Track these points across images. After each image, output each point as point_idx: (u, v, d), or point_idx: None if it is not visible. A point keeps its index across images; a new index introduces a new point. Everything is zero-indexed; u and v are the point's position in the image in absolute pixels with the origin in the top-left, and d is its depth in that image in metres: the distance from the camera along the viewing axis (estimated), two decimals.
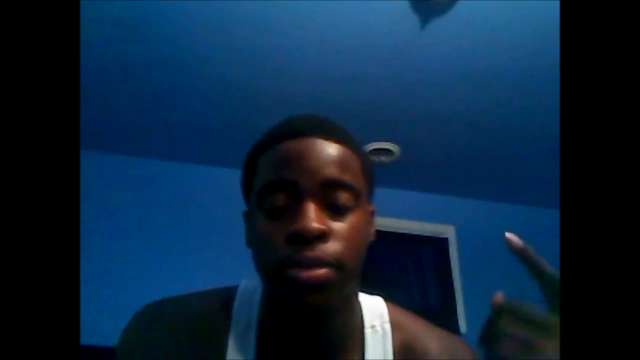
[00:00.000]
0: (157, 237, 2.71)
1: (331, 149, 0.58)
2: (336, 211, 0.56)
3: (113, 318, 2.35)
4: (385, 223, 3.03)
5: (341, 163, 0.58)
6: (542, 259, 0.54)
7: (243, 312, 0.63)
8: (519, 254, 0.53)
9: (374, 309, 0.67)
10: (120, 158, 2.85)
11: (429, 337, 0.66)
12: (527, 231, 3.34)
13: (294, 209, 0.55)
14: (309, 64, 2.14)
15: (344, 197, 0.56)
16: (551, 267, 0.53)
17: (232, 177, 3.47)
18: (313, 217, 0.53)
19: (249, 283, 0.68)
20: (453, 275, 3.01)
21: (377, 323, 0.65)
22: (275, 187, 0.56)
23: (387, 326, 0.65)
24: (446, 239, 3.13)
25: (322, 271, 0.52)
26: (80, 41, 2.01)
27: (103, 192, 2.72)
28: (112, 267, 2.55)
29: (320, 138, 0.58)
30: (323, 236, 0.54)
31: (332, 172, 0.56)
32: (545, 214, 3.29)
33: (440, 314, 2.85)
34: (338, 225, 0.56)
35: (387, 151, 2.74)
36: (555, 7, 1.81)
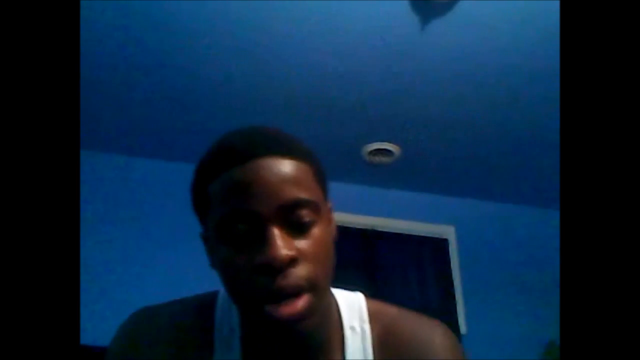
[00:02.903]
0: (156, 237, 2.71)
1: (282, 167, 0.55)
2: (300, 230, 0.55)
3: (113, 318, 2.35)
4: (385, 223, 3.03)
5: (295, 180, 0.56)
6: None
7: (225, 319, 0.64)
8: None
9: (352, 308, 0.67)
10: (120, 158, 2.86)
11: (408, 323, 0.66)
12: (527, 231, 3.36)
13: (257, 237, 0.53)
14: (309, 64, 2.14)
15: (305, 214, 0.55)
16: None
17: None
18: (279, 244, 0.51)
19: None
20: (453, 275, 3.01)
21: (356, 324, 0.65)
22: (233, 218, 0.54)
23: (366, 326, 0.65)
24: (446, 240, 3.13)
25: (299, 303, 0.52)
26: (81, 41, 2.01)
27: (103, 192, 2.72)
28: (112, 267, 2.55)
29: (268, 157, 0.55)
30: (293, 262, 0.52)
31: (288, 192, 0.54)
32: (545, 214, 3.29)
33: (440, 314, 2.85)
34: (305, 244, 0.54)
35: (387, 151, 2.74)
36: (556, 7, 1.81)
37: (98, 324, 2.31)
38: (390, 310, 0.68)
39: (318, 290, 0.54)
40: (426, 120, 2.50)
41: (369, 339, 0.63)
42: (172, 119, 2.55)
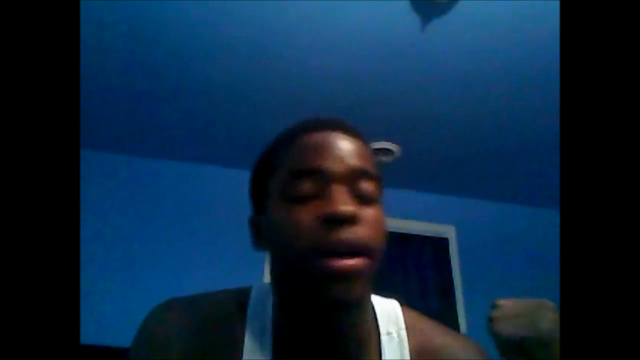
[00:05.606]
0: (156, 237, 2.71)
1: (352, 142, 0.60)
2: (362, 200, 0.57)
3: (113, 317, 2.36)
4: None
5: (363, 154, 0.60)
6: None
7: (258, 315, 0.63)
8: None
9: (388, 314, 0.66)
10: (120, 158, 2.86)
11: (444, 339, 0.66)
12: (527, 231, 3.35)
13: (322, 196, 0.55)
14: (310, 64, 2.14)
15: (368, 187, 0.58)
16: None
17: (232, 176, 3.45)
18: (343, 200, 0.54)
19: (262, 285, 0.67)
20: (453, 275, 3.01)
21: (393, 330, 0.64)
22: (301, 175, 0.57)
23: (403, 333, 0.64)
24: (446, 239, 3.13)
25: (353, 260, 0.53)
26: (81, 40, 2.00)
27: (103, 192, 2.72)
28: (111, 267, 2.55)
29: (340, 132, 0.61)
30: (353, 219, 0.54)
31: (356, 161, 0.58)
32: (545, 214, 3.29)
33: (440, 314, 2.85)
34: (365, 212, 0.56)
35: (387, 151, 2.74)
36: (556, 7, 1.81)
37: (98, 323, 2.31)
38: (427, 324, 0.68)
39: (373, 257, 0.55)
40: (426, 119, 2.50)
41: (406, 346, 0.63)
42: (172, 118, 2.55)
